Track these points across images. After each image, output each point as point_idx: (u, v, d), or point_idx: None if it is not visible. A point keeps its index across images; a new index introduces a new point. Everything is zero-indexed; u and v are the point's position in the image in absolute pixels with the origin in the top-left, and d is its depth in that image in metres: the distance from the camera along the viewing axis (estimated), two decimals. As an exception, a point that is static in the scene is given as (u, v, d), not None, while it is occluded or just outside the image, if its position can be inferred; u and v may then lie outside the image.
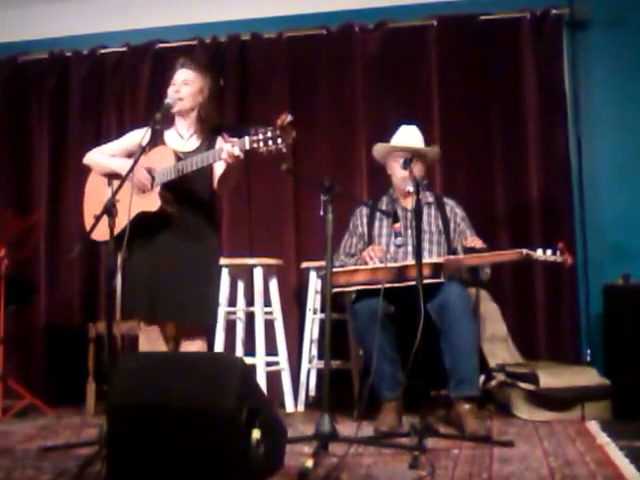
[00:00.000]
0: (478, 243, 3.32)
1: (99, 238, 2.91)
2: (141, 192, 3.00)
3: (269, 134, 2.73)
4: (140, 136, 3.05)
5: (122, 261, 3.03)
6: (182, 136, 3.16)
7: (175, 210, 3.03)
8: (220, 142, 3.12)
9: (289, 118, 2.72)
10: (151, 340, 3.09)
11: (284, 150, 2.74)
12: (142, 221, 2.98)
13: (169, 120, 3.17)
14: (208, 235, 3.13)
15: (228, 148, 2.82)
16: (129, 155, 3.14)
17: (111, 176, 3.15)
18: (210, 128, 3.16)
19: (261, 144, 2.74)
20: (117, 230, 2.75)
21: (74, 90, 4.83)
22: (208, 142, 3.13)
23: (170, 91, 3.11)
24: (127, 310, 3.11)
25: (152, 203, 2.98)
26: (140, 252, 3.06)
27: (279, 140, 2.71)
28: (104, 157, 3.21)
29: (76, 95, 4.82)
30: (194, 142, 3.15)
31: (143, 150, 2.90)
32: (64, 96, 4.84)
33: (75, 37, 4.87)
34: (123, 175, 2.88)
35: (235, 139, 2.86)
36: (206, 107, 3.15)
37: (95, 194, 3.16)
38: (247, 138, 2.77)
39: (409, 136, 3.61)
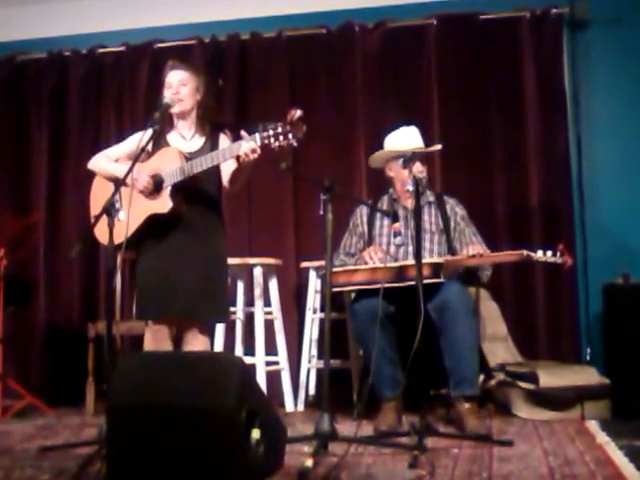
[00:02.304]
0: (477, 249, 3.29)
1: (104, 240, 2.88)
2: (149, 195, 3.00)
3: (279, 129, 2.73)
4: (142, 137, 3.06)
5: (122, 261, 3.04)
6: (184, 137, 3.16)
7: (186, 210, 3.03)
8: (224, 139, 3.13)
9: (299, 113, 2.72)
10: (157, 339, 3.07)
11: (295, 144, 2.73)
12: (153, 223, 2.98)
13: (169, 122, 3.17)
14: (217, 233, 3.14)
15: (247, 144, 2.80)
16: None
17: (116, 181, 3.14)
18: (211, 125, 3.17)
19: (272, 139, 2.74)
20: (128, 234, 2.77)
21: (73, 89, 4.83)
22: (211, 140, 3.14)
23: (167, 94, 3.10)
24: (140, 312, 3.09)
25: (163, 205, 2.99)
26: (151, 253, 3.06)
27: (290, 135, 2.72)
28: (107, 162, 3.19)
29: (75, 94, 4.82)
30: (197, 141, 3.15)
31: (142, 151, 2.90)
32: (63, 95, 4.84)
33: (74, 36, 4.87)
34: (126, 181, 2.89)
35: (245, 135, 2.85)
36: (204, 105, 3.16)
37: (101, 197, 3.14)
38: (258, 134, 2.77)
39: (405, 135, 3.60)
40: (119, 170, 3.09)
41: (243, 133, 2.85)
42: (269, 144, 2.75)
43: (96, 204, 3.16)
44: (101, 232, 2.80)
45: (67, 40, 4.86)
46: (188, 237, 3.04)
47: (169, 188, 2.98)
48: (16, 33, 4.92)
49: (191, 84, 3.13)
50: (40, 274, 4.69)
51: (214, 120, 3.19)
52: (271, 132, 2.74)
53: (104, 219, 2.68)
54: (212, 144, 3.11)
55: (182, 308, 3.01)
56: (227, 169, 3.05)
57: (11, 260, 4.06)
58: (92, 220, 3.12)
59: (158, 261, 3.04)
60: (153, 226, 3.00)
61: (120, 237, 2.73)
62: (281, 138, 2.73)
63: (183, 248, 3.03)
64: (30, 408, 4.01)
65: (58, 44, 4.86)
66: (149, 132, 2.93)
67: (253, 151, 2.80)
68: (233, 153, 2.87)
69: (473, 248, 3.29)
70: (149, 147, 3.08)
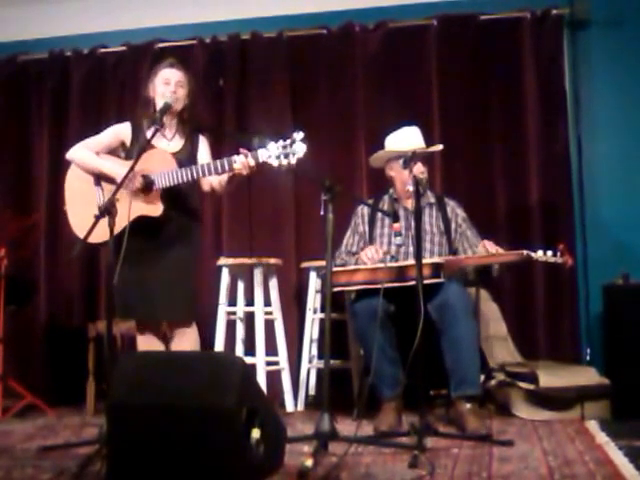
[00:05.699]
0: (493, 246, 3.31)
1: (95, 240, 2.84)
2: (137, 196, 3.01)
3: (280, 149, 2.83)
4: (121, 131, 3.16)
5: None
6: (165, 137, 3.19)
7: (174, 213, 3.07)
8: (203, 141, 3.23)
9: (301, 135, 2.82)
10: (148, 340, 3.14)
11: (294, 165, 2.84)
12: (138, 224, 2.99)
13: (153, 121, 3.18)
14: (195, 236, 3.21)
15: (242, 159, 2.90)
16: (111, 151, 3.18)
17: (99, 176, 3.14)
18: (191, 127, 3.23)
19: (273, 159, 2.84)
20: (116, 232, 2.76)
21: (74, 90, 4.83)
22: (190, 142, 3.21)
23: (166, 91, 3.11)
24: (120, 311, 3.12)
25: (154, 208, 3.01)
26: (131, 254, 3.05)
27: (291, 156, 2.82)
28: (93, 157, 3.15)
29: (76, 95, 4.82)
30: (177, 142, 3.20)
31: (142, 151, 2.91)
32: (64, 96, 4.84)
33: (75, 37, 4.87)
34: (116, 179, 2.93)
35: (246, 150, 2.93)
36: (190, 109, 3.22)
37: (79, 193, 3.14)
38: (260, 151, 2.87)
39: (406, 135, 3.60)
40: (111, 168, 3.08)
41: (243, 150, 2.93)
42: (270, 163, 2.87)
43: (72, 196, 3.17)
44: (94, 233, 2.77)
45: (68, 40, 4.86)
46: (167, 241, 3.09)
47: (160, 191, 3.01)
48: (17, 33, 4.92)
49: (187, 87, 3.17)
50: (40, 274, 4.70)
51: (194, 122, 3.25)
52: (273, 151, 2.85)
53: (89, 218, 2.68)
54: (191, 146, 3.19)
55: (158, 310, 3.07)
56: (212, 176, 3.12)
57: (11, 260, 4.06)
58: (70, 217, 3.14)
59: (137, 262, 3.04)
60: (139, 227, 2.99)
61: (103, 235, 2.71)
62: (282, 157, 2.83)
63: (156, 250, 3.08)
64: (30, 408, 4.01)
65: (59, 44, 4.86)
66: (152, 131, 2.94)
67: (246, 166, 2.91)
68: (225, 167, 2.95)
69: (491, 246, 3.30)
70: (127, 143, 3.14)
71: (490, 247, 3.31)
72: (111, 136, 3.21)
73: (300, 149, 2.82)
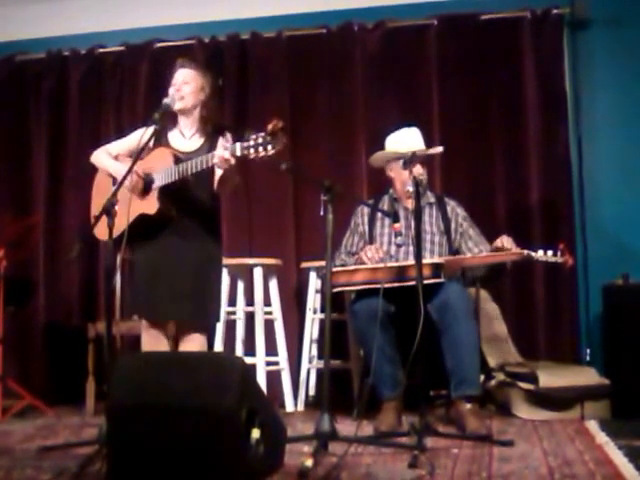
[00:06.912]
0: (510, 241, 3.30)
1: (103, 237, 2.90)
2: (140, 195, 3.01)
3: (260, 140, 2.71)
4: (144, 136, 3.10)
5: (121, 261, 3.05)
6: (184, 135, 3.17)
7: (174, 212, 3.04)
8: (221, 142, 3.14)
9: (280, 124, 2.71)
10: (153, 338, 3.10)
11: (273, 157, 2.73)
12: (143, 223, 2.99)
13: (172, 120, 3.18)
14: (209, 236, 3.13)
15: (219, 153, 2.85)
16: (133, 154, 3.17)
17: (112, 178, 3.17)
18: (212, 127, 3.17)
19: (251, 150, 2.73)
20: (120, 231, 2.77)
21: (72, 89, 4.83)
22: (210, 142, 3.14)
23: (171, 91, 3.12)
24: (130, 309, 3.13)
25: (151, 206, 3.00)
26: (141, 253, 3.08)
27: (269, 147, 2.70)
28: (106, 158, 3.23)
29: (74, 94, 4.82)
30: (196, 141, 3.16)
31: (141, 151, 2.90)
32: (62, 96, 4.84)
33: (73, 36, 4.87)
34: (118, 179, 2.92)
35: (228, 144, 2.89)
36: (208, 105, 3.16)
37: (103, 192, 3.16)
38: (238, 144, 2.79)
39: (406, 136, 3.60)
40: (114, 168, 3.14)
41: (223, 143, 2.88)
42: (248, 154, 2.74)
43: (96, 198, 3.20)
44: (100, 230, 2.81)
45: (66, 40, 4.86)
46: (178, 239, 3.06)
47: (157, 189, 3.00)
48: (15, 33, 4.91)
49: (195, 83, 3.13)
50: (40, 274, 4.69)
51: (216, 122, 3.20)
52: (251, 142, 2.73)
53: (104, 217, 2.69)
54: (210, 146, 3.12)
55: (168, 310, 3.04)
56: (217, 174, 3.08)
57: (11, 260, 4.05)
58: (93, 214, 3.15)
59: (147, 261, 3.06)
60: (144, 226, 3.00)
61: (115, 233, 2.73)
62: (260, 149, 2.71)
63: (172, 250, 3.05)
64: (30, 408, 4.01)
65: (57, 44, 4.86)
66: (150, 131, 2.93)
67: (222, 160, 2.83)
68: (209, 161, 2.89)
69: (507, 242, 3.28)
70: (151, 144, 3.09)
71: (507, 243, 3.28)
72: (135, 139, 3.17)
73: (278, 139, 2.69)
